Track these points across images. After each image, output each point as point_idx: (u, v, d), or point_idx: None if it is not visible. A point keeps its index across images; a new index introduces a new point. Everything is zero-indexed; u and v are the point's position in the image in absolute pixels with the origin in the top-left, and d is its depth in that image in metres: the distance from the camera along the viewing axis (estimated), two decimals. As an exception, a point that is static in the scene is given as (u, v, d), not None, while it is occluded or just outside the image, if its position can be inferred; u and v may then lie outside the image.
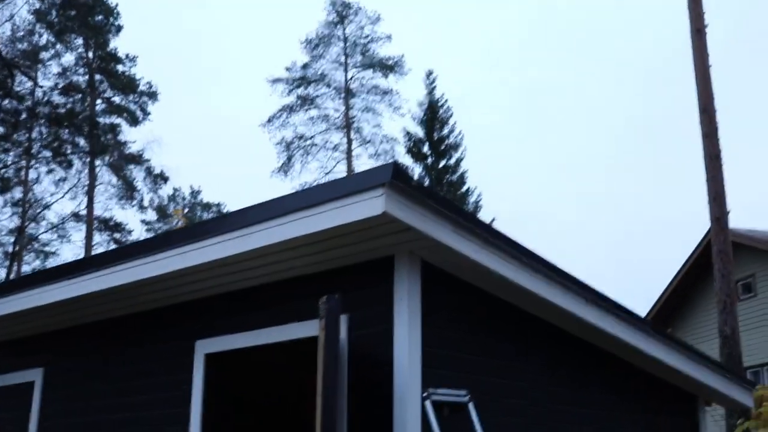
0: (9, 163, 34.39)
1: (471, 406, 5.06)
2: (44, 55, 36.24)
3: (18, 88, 29.81)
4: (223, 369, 6.13)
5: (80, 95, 36.12)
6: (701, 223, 23.31)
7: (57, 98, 34.59)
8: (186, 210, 54.82)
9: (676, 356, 6.90)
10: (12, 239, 34.83)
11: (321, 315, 4.41)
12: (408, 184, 4.40)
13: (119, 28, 39.99)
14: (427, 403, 4.78)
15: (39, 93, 30.70)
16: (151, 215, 46.26)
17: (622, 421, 6.75)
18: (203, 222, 6.39)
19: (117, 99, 40.43)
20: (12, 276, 32.99)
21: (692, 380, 7.23)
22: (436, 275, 5.09)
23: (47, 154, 33.72)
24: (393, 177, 4.30)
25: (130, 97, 40.65)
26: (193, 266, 5.34)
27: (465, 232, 4.77)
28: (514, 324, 5.80)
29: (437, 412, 4.81)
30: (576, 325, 6.04)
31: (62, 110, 32.20)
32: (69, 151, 32.88)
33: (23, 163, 35.69)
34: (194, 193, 57.01)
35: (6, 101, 27.66)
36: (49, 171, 34.78)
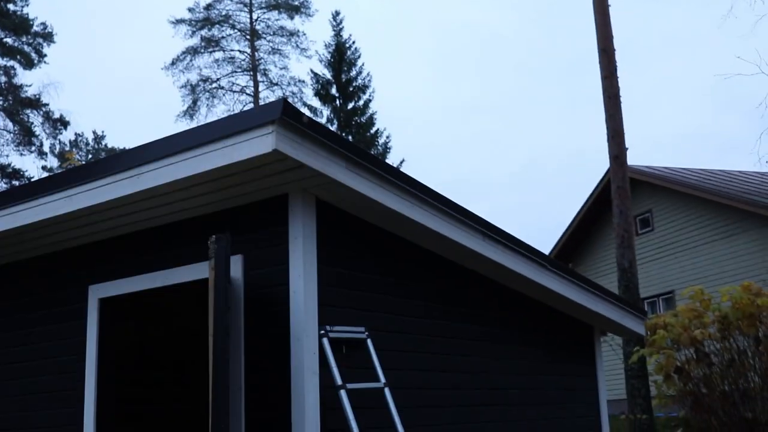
0: None
1: (369, 343, 5.09)
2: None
3: None
4: (119, 314, 6.00)
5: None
6: (603, 161, 23.92)
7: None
8: (90, 155, 53.23)
9: (572, 288, 7.09)
10: None
11: (210, 255, 4.33)
12: (299, 120, 4.32)
13: (9, -35, 38.03)
14: (324, 341, 4.78)
15: None
16: (53, 161, 44.78)
17: (519, 351, 6.92)
18: (90, 164, 6.17)
19: (9, 40, 38.58)
20: None
21: (588, 311, 7.46)
22: (332, 213, 5.06)
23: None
24: (283, 114, 4.21)
25: (24, 39, 38.85)
26: (81, 209, 5.16)
27: (358, 169, 4.74)
28: (411, 260, 5.83)
29: (335, 349, 4.82)
30: (473, 260, 6.11)
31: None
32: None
33: None
34: (98, 138, 55.39)
35: None
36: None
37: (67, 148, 49.01)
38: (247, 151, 4.31)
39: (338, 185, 4.71)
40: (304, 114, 4.36)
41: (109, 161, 5.22)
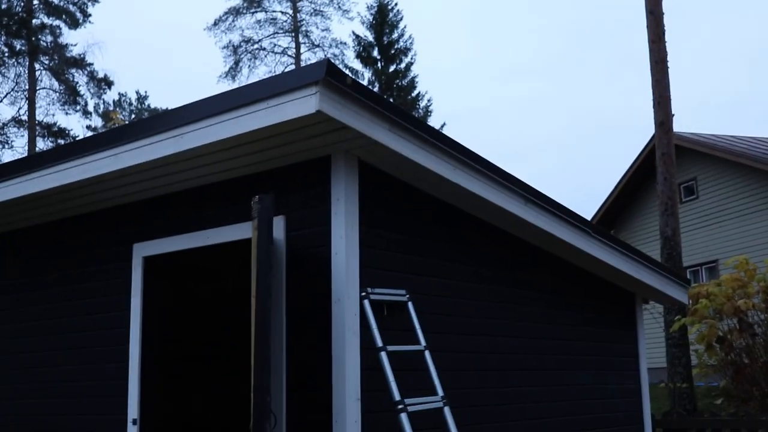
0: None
1: (410, 306, 5.10)
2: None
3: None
4: (163, 273, 6.07)
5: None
6: (649, 125, 23.59)
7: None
8: (133, 115, 53.74)
9: (615, 255, 7.03)
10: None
11: (254, 215, 4.35)
12: (342, 81, 4.29)
13: (55, -75, 38.20)
14: (366, 303, 4.79)
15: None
16: (97, 121, 45.29)
17: (560, 317, 6.89)
18: (136, 122, 6.25)
19: (55, 0, 38.88)
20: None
21: (630, 278, 7.39)
22: (374, 175, 5.04)
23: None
24: (327, 74, 4.19)
25: (69, -2, 39.13)
26: (127, 168, 5.20)
27: (401, 131, 4.71)
28: (452, 223, 5.81)
29: (376, 311, 4.83)
30: (515, 224, 6.07)
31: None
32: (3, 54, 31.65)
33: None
34: (141, 98, 55.84)
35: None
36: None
37: (111, 108, 49.52)
38: (291, 112, 4.30)
39: (381, 147, 4.68)
40: (347, 75, 4.33)
41: (153, 121, 5.25)
